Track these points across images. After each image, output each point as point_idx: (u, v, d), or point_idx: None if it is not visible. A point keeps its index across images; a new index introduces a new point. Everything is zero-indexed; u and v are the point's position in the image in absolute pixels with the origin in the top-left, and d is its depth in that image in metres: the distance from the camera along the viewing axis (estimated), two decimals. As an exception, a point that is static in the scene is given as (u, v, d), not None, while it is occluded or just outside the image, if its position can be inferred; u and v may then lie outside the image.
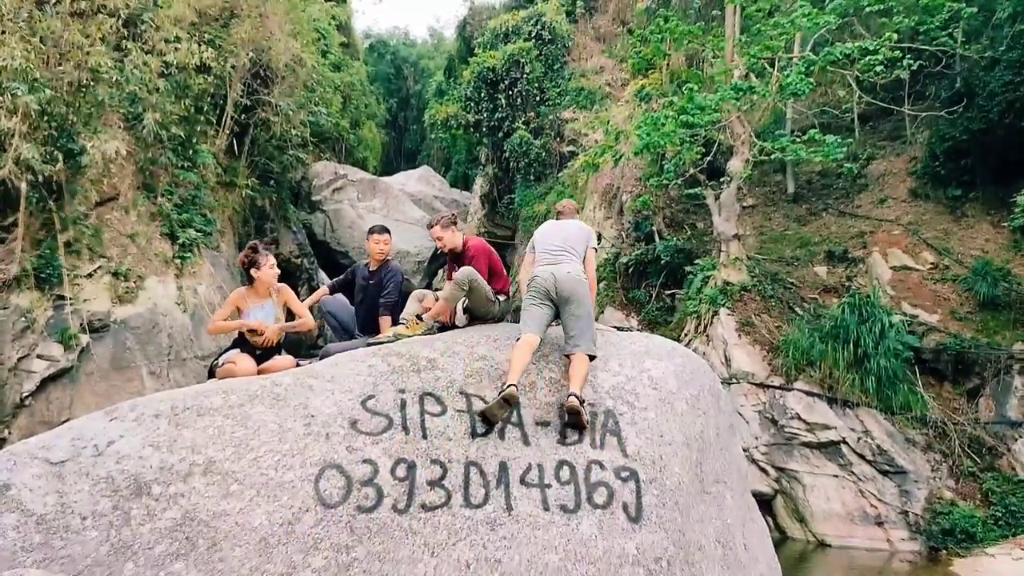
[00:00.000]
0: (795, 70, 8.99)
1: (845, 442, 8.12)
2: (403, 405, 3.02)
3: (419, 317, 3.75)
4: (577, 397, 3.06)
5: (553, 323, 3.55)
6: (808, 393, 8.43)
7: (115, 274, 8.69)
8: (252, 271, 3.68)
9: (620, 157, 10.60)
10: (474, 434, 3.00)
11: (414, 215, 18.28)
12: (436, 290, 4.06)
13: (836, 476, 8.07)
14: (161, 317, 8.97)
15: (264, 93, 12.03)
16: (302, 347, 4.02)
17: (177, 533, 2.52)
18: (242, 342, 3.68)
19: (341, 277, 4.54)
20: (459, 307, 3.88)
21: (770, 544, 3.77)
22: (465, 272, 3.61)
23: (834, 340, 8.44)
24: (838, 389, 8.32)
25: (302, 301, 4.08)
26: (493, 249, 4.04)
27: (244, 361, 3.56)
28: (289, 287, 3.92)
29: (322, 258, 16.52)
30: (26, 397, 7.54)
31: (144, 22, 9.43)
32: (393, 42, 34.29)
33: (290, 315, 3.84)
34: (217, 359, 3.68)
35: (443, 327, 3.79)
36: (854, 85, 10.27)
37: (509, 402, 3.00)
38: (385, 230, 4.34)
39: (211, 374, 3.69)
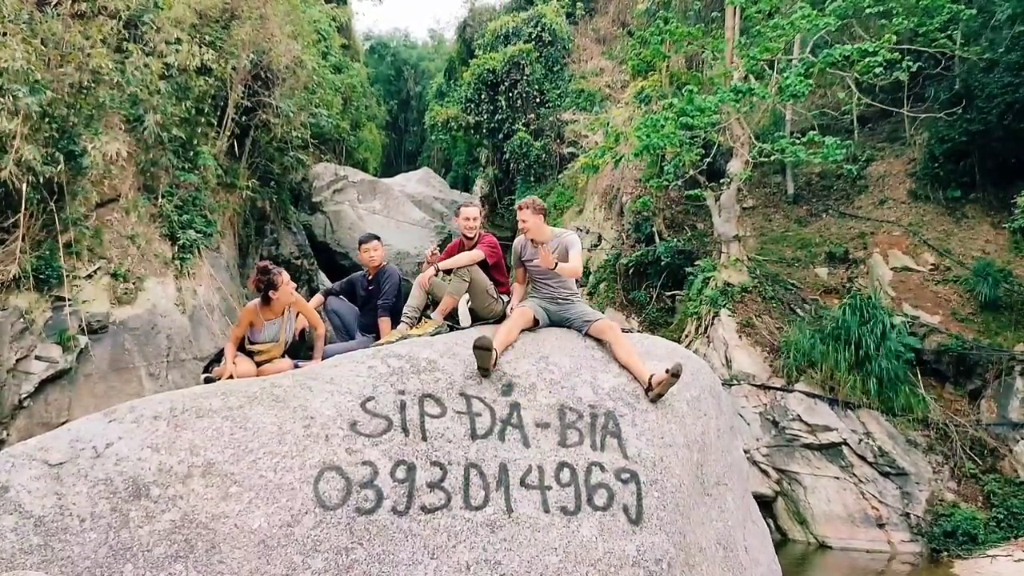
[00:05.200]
0: (794, 72, 9.00)
1: (846, 444, 8.10)
2: (403, 407, 3.01)
3: (427, 316, 3.76)
4: (649, 383, 3.19)
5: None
6: (809, 395, 8.42)
7: (114, 275, 8.68)
8: (271, 294, 3.64)
9: (620, 159, 10.60)
10: (474, 436, 2.99)
11: (414, 216, 18.29)
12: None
13: (837, 478, 8.05)
14: (160, 318, 8.96)
15: (265, 95, 12.04)
16: (301, 348, 4.01)
17: (176, 535, 2.51)
18: (242, 351, 3.67)
19: (338, 284, 4.54)
20: (463, 308, 3.89)
21: (771, 546, 3.76)
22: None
23: (835, 341, 8.43)
24: (839, 391, 8.30)
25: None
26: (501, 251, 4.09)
27: (243, 362, 3.56)
28: (302, 299, 3.92)
29: (322, 259, 16.52)
30: (24, 399, 7.52)
31: (145, 24, 9.44)
32: (393, 44, 34.34)
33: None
34: (216, 359, 3.68)
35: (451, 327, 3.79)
36: (853, 87, 10.28)
37: (486, 347, 3.10)
38: (374, 238, 4.35)
39: (206, 369, 3.68)
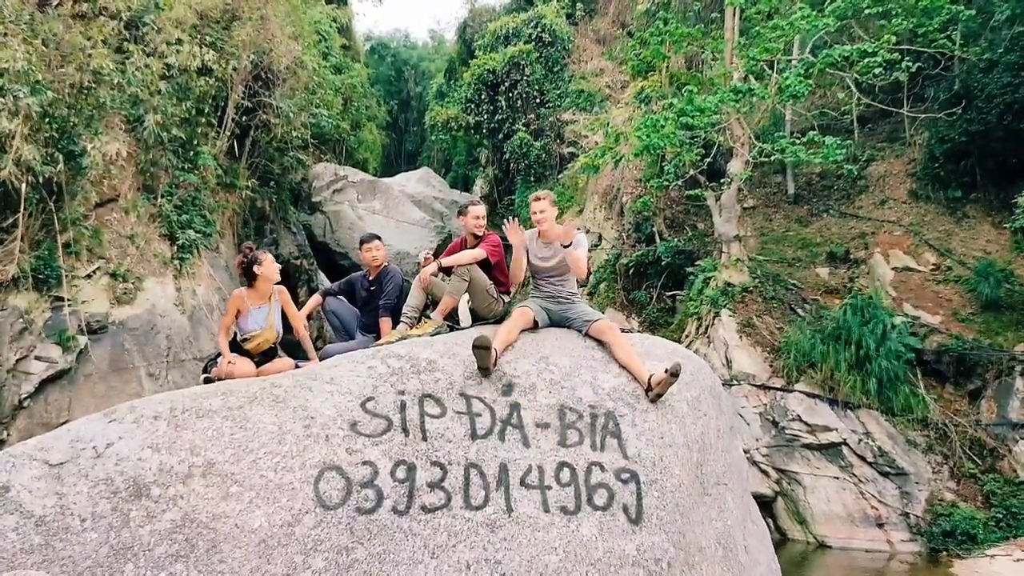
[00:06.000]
0: (794, 72, 9.01)
1: (846, 444, 8.11)
2: (403, 407, 3.02)
3: (427, 316, 3.76)
4: (649, 383, 3.18)
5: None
6: (809, 395, 8.43)
7: (114, 275, 8.68)
8: (255, 268, 3.64)
9: (620, 159, 10.61)
10: (474, 436, 2.99)
11: (414, 216, 18.29)
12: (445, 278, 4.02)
13: (837, 478, 8.06)
14: (160, 318, 8.96)
15: (265, 95, 12.06)
16: (301, 349, 4.01)
17: (177, 535, 2.51)
18: (237, 347, 3.67)
19: (336, 285, 4.53)
20: (464, 308, 3.89)
21: (770, 545, 3.77)
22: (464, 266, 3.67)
23: (835, 341, 8.44)
24: (839, 391, 8.31)
25: (300, 306, 4.09)
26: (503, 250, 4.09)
27: (243, 363, 3.55)
28: (286, 290, 3.91)
29: (322, 259, 16.53)
30: (25, 399, 7.52)
31: (145, 24, 9.44)
32: (394, 44, 34.37)
33: (285, 316, 3.84)
34: (213, 360, 3.68)
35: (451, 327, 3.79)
36: (853, 87, 10.29)
37: (485, 347, 3.08)
38: (375, 237, 4.35)
39: (205, 370, 3.68)
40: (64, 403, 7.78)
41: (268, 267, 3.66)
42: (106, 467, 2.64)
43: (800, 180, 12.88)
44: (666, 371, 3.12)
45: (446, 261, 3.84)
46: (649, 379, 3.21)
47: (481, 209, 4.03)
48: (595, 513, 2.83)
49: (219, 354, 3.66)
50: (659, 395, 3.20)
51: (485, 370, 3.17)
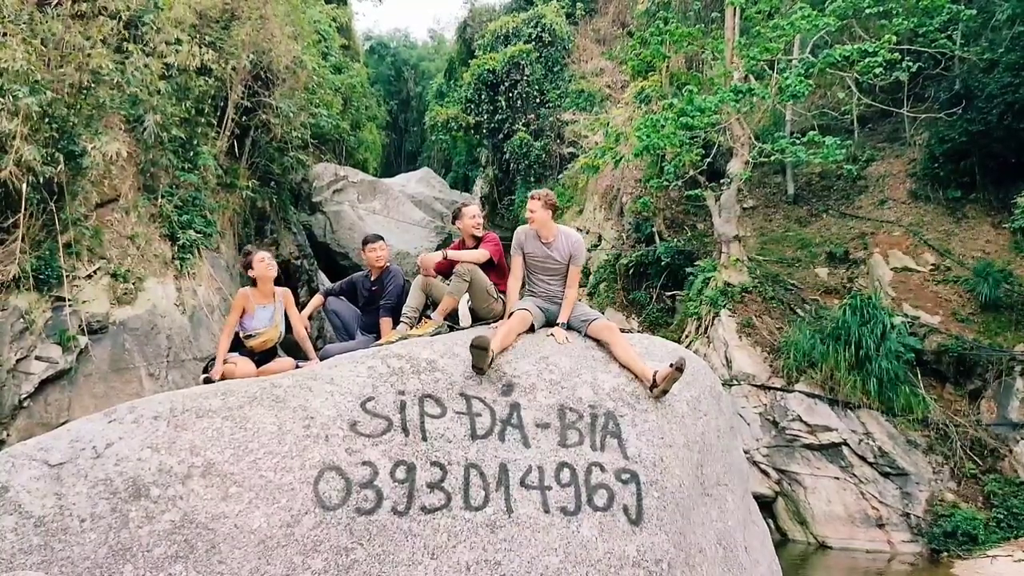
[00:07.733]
0: (794, 72, 9.01)
1: (846, 444, 8.10)
2: (403, 407, 3.01)
3: (427, 316, 3.76)
4: (654, 379, 3.18)
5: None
6: (809, 395, 8.42)
7: (114, 275, 8.68)
8: (248, 271, 3.79)
9: (620, 159, 10.61)
10: (474, 436, 2.99)
11: (414, 216, 18.29)
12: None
13: (837, 478, 8.06)
14: (160, 319, 8.96)
15: (265, 95, 12.06)
16: (301, 349, 4.01)
17: (176, 535, 2.51)
18: (239, 345, 3.69)
19: (338, 285, 4.54)
20: (464, 308, 3.88)
21: (771, 546, 3.76)
22: (465, 265, 3.66)
23: (835, 342, 8.44)
24: (839, 391, 8.31)
25: (301, 306, 4.14)
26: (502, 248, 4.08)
27: (243, 363, 3.56)
28: (290, 292, 3.97)
29: (322, 260, 16.53)
30: (24, 399, 7.52)
31: (145, 24, 9.44)
32: (393, 44, 34.40)
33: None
34: (214, 360, 3.68)
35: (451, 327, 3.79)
36: (853, 87, 10.29)
37: (483, 347, 3.08)
38: (379, 238, 4.37)
39: (205, 370, 3.69)
40: (64, 403, 7.77)
41: (258, 267, 3.76)
42: (105, 467, 2.64)
43: (800, 180, 12.88)
44: (671, 365, 3.12)
45: (451, 255, 3.83)
46: (654, 375, 3.20)
47: (475, 208, 4.03)
48: (595, 514, 2.83)
49: None
50: (664, 391, 3.19)
51: (480, 370, 3.17)
